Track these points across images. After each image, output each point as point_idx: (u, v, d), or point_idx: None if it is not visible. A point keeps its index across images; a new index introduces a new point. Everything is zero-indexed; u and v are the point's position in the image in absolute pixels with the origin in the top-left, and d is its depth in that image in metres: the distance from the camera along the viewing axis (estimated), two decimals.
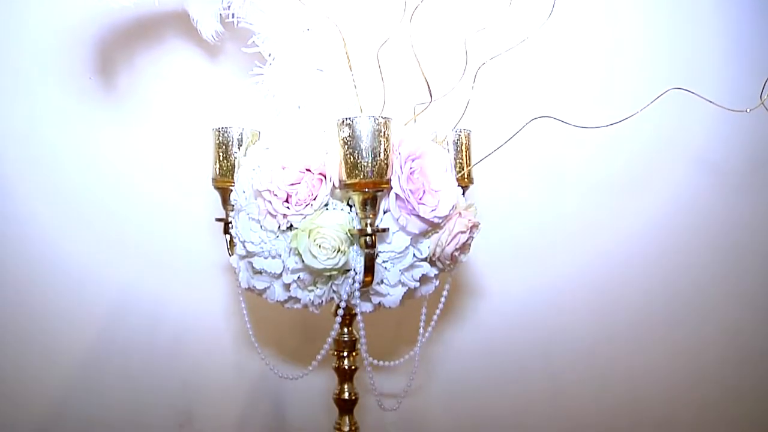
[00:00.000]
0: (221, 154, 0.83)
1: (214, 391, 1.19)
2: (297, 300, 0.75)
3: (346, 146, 0.66)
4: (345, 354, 0.88)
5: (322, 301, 0.75)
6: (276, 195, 0.69)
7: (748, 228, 1.26)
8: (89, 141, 1.13)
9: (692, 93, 0.83)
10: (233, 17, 0.81)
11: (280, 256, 0.73)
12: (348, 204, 0.72)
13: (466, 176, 0.85)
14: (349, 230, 0.69)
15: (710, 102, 0.83)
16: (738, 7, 1.24)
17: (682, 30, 1.23)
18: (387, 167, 0.67)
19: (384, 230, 0.70)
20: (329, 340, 0.77)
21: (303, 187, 0.70)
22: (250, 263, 0.76)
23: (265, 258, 0.74)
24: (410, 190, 0.70)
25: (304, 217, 0.70)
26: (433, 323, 0.88)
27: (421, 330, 0.88)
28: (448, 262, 0.76)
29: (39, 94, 1.11)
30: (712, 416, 1.26)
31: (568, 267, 1.22)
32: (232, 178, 0.82)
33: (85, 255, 1.14)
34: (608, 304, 1.24)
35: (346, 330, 0.88)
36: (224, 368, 1.19)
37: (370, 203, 0.67)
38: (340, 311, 0.76)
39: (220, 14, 0.86)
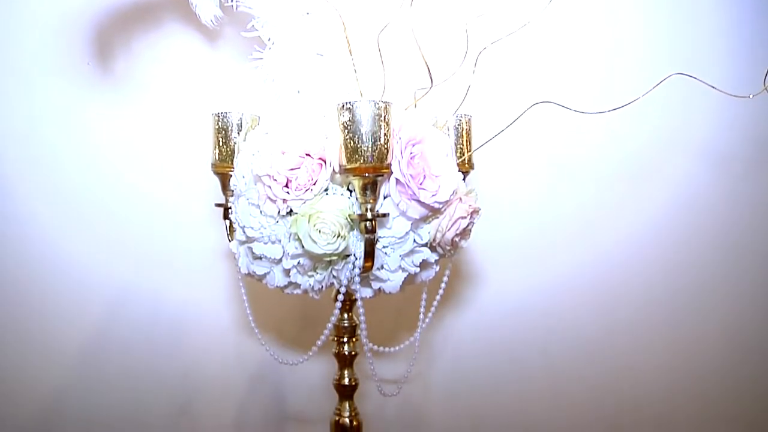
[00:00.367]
0: (221, 139, 0.83)
1: (214, 377, 1.19)
2: (297, 285, 0.75)
3: (346, 131, 0.66)
4: (345, 340, 0.88)
5: (322, 287, 0.75)
6: (276, 180, 0.69)
7: (753, 217, 1.26)
8: (86, 127, 1.12)
9: (694, 78, 0.83)
10: (232, 1, 0.81)
11: (279, 241, 0.72)
12: (348, 189, 0.72)
13: (466, 162, 0.85)
14: (349, 215, 0.69)
15: (712, 87, 0.83)
16: None
17: (684, 16, 1.22)
18: (387, 152, 0.66)
19: (384, 215, 0.70)
20: (329, 325, 0.77)
21: (303, 172, 0.69)
22: (250, 249, 0.76)
23: (265, 243, 0.73)
24: (411, 175, 0.69)
25: (304, 202, 0.69)
26: (433, 309, 0.88)
27: (422, 316, 0.88)
28: (448, 248, 0.76)
29: (36, 82, 1.11)
30: (712, 414, 1.27)
31: (569, 254, 1.22)
32: (232, 164, 0.81)
33: (84, 243, 1.14)
34: (609, 291, 1.23)
35: (346, 316, 0.88)
36: (224, 354, 1.19)
37: (371, 188, 0.67)
38: (340, 297, 0.75)
39: None
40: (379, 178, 0.67)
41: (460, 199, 0.75)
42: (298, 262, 0.72)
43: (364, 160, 0.65)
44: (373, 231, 0.68)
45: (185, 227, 1.15)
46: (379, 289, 0.76)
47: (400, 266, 0.74)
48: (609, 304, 1.24)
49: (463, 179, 0.82)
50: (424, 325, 0.88)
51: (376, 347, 0.83)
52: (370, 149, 0.65)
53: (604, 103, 0.83)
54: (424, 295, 0.89)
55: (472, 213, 0.76)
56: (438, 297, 0.86)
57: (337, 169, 0.69)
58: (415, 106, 0.83)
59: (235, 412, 1.21)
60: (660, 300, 1.25)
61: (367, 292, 0.77)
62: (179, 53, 1.12)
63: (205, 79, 1.11)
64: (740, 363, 1.27)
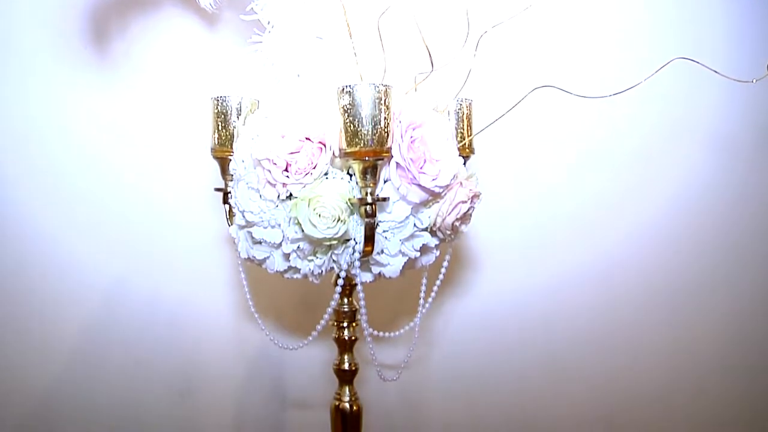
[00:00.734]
0: (220, 123, 0.82)
1: (214, 362, 1.19)
2: (297, 270, 0.75)
3: (347, 114, 0.65)
4: (345, 324, 0.88)
5: (321, 271, 0.74)
6: (275, 164, 0.69)
7: (761, 205, 1.25)
8: (81, 111, 1.12)
9: (697, 63, 0.82)
10: None
11: (279, 225, 0.72)
12: (348, 173, 0.71)
13: (467, 146, 0.84)
14: (349, 199, 0.69)
15: (715, 72, 0.82)
16: None
17: (688, 1, 1.21)
18: (387, 136, 0.66)
19: (384, 199, 0.69)
20: (329, 310, 0.77)
21: (302, 156, 0.69)
22: (250, 233, 0.76)
23: (265, 228, 0.73)
24: (411, 159, 0.69)
25: (304, 186, 0.69)
26: (433, 294, 0.87)
27: (422, 301, 0.88)
28: (448, 232, 0.76)
29: (31, 67, 1.10)
30: (711, 414, 1.27)
31: (570, 240, 1.22)
32: (231, 148, 0.81)
33: (83, 229, 1.14)
34: (611, 279, 1.23)
35: (346, 300, 0.88)
36: (224, 339, 1.19)
37: (371, 172, 0.66)
38: (340, 281, 0.75)
39: None
40: (380, 162, 0.67)
41: (461, 183, 0.75)
42: (298, 247, 0.71)
43: (364, 143, 0.65)
44: (373, 215, 0.67)
45: (184, 212, 1.15)
46: (379, 273, 0.76)
47: (400, 251, 0.74)
48: (610, 291, 1.23)
49: (464, 164, 0.81)
50: (424, 311, 0.88)
51: (376, 332, 0.83)
52: (370, 133, 0.65)
53: (606, 88, 0.83)
54: (424, 281, 0.88)
55: (472, 197, 0.76)
56: (438, 282, 0.86)
57: (337, 153, 0.69)
58: (416, 90, 0.82)
59: (236, 397, 1.21)
60: (665, 288, 1.25)
61: (367, 277, 0.77)
62: (178, 37, 1.11)
63: (204, 63, 1.10)
64: (746, 359, 1.28)
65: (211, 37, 1.10)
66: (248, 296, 0.89)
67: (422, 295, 0.88)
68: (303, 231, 0.69)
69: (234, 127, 0.81)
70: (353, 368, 0.90)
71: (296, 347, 0.84)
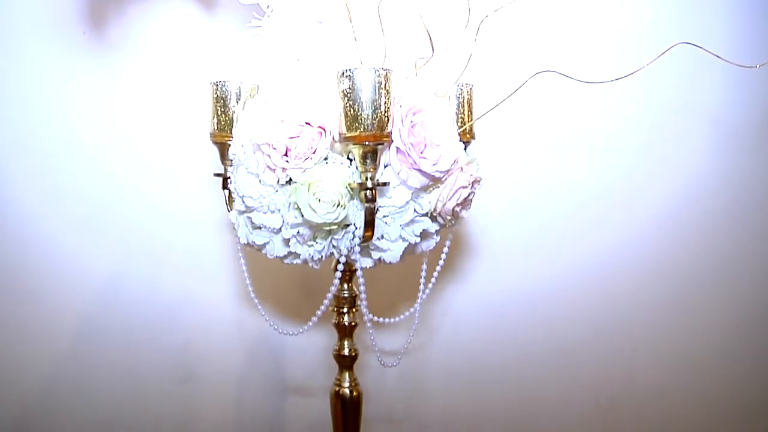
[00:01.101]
0: (219, 108, 0.82)
1: (214, 348, 1.20)
2: (296, 255, 0.75)
3: (346, 99, 0.65)
4: (345, 310, 0.88)
5: (321, 257, 0.74)
6: (275, 148, 0.68)
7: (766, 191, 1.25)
8: (77, 97, 1.11)
9: (700, 48, 0.81)
10: None
11: (279, 210, 0.72)
12: (348, 158, 0.71)
13: (467, 131, 0.84)
14: (349, 184, 0.69)
15: (718, 57, 0.81)
16: None
17: None
18: (388, 120, 0.66)
19: (384, 184, 0.69)
20: (329, 296, 0.77)
21: (302, 141, 0.68)
22: (249, 218, 0.75)
23: (264, 213, 0.73)
24: (411, 144, 0.68)
25: (304, 171, 0.69)
26: (433, 280, 0.87)
27: (422, 287, 0.88)
28: (449, 218, 0.76)
29: (25, 50, 1.09)
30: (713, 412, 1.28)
31: (571, 227, 1.22)
32: (231, 133, 0.80)
33: (83, 215, 1.13)
34: (612, 265, 1.23)
35: (345, 286, 0.88)
36: (224, 326, 1.19)
37: (371, 157, 0.66)
38: (340, 266, 0.75)
39: None
40: (380, 147, 0.66)
41: (462, 168, 0.75)
42: (298, 232, 0.71)
43: (364, 128, 0.65)
44: (373, 200, 0.67)
45: (183, 198, 1.15)
46: (380, 259, 0.76)
47: (400, 236, 0.73)
48: (611, 279, 1.23)
49: (464, 149, 0.81)
50: (424, 296, 0.88)
51: (376, 318, 0.83)
52: (370, 117, 0.65)
53: (608, 73, 0.82)
54: (424, 266, 0.88)
55: (473, 183, 0.76)
56: (438, 268, 0.86)
57: (336, 138, 0.68)
58: (416, 75, 0.82)
59: (235, 384, 1.21)
60: (666, 275, 1.25)
61: (367, 262, 0.76)
62: (176, 21, 1.10)
63: (203, 48, 1.10)
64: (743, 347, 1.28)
65: (209, 21, 1.09)
66: (248, 282, 0.89)
67: (422, 281, 0.88)
68: (303, 216, 0.68)
69: (233, 112, 0.81)
70: (353, 354, 0.90)
71: (296, 333, 0.83)
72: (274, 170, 0.70)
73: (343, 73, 0.65)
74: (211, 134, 0.83)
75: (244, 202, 0.74)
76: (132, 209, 1.14)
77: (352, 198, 0.70)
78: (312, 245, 0.73)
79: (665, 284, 1.25)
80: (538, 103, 1.14)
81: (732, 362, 1.27)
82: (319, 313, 0.78)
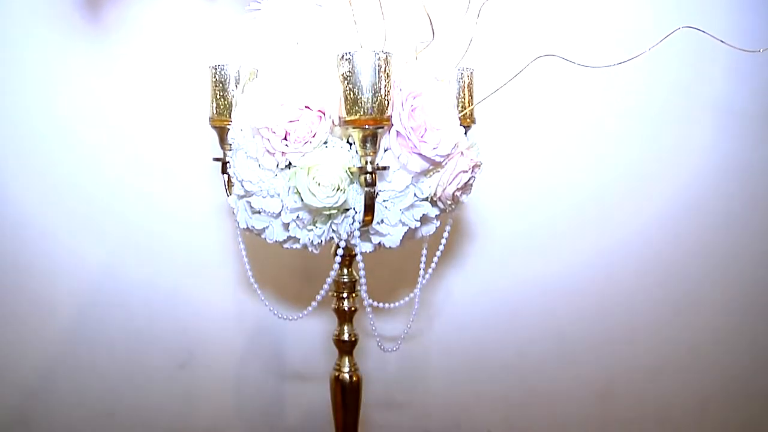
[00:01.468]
0: (218, 92, 0.81)
1: (213, 333, 1.20)
2: (296, 240, 0.74)
3: (346, 82, 0.64)
4: (345, 295, 0.88)
5: (321, 241, 0.74)
6: (274, 132, 0.68)
7: None
8: (72, 81, 1.10)
9: (703, 32, 0.81)
10: None
11: (278, 195, 0.71)
12: (348, 142, 0.71)
13: (468, 116, 0.83)
14: (348, 168, 0.68)
15: (721, 41, 0.81)
16: None
17: None
18: (388, 103, 0.65)
19: (384, 168, 0.69)
20: (328, 280, 0.77)
21: (302, 124, 0.68)
22: (249, 203, 0.75)
23: (264, 197, 0.72)
24: (411, 128, 0.68)
25: (303, 155, 0.68)
26: (433, 266, 0.87)
27: (422, 272, 0.87)
28: (449, 202, 0.75)
29: (24, 32, 1.09)
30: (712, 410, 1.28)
31: (572, 213, 1.21)
32: (230, 117, 0.80)
33: (81, 200, 1.13)
34: (613, 250, 1.23)
35: (345, 271, 0.87)
36: (224, 311, 1.20)
37: (371, 140, 0.66)
38: (340, 251, 0.75)
39: None
40: (380, 131, 0.66)
41: (462, 153, 0.74)
42: (297, 216, 0.71)
43: (364, 111, 0.64)
44: (373, 184, 0.67)
45: (182, 183, 1.14)
46: (379, 243, 0.75)
47: (400, 220, 0.73)
48: (612, 264, 1.23)
49: (465, 134, 0.80)
50: (424, 281, 0.88)
51: (375, 303, 0.83)
52: (370, 101, 0.64)
53: (610, 58, 0.81)
54: (424, 252, 0.88)
55: (473, 167, 0.76)
56: (438, 253, 0.86)
57: (336, 122, 0.68)
58: (416, 58, 0.81)
59: (235, 369, 1.22)
60: (667, 261, 1.25)
61: (366, 247, 0.76)
62: (174, 3, 1.10)
63: (201, 30, 1.09)
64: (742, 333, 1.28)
65: (208, 4, 1.09)
66: (247, 267, 0.89)
67: (422, 266, 0.88)
68: (302, 200, 0.68)
69: (232, 96, 0.80)
70: (353, 339, 0.90)
71: (296, 318, 0.83)
72: (273, 154, 0.69)
73: (342, 57, 0.64)
74: (210, 118, 0.82)
75: (243, 186, 0.74)
76: (131, 195, 1.14)
77: (351, 182, 0.69)
78: (312, 230, 0.73)
79: (667, 270, 1.25)
80: (540, 87, 1.14)
81: (729, 350, 1.27)
82: (318, 297, 0.78)
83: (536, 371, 1.26)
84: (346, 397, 0.91)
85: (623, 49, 0.79)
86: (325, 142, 0.70)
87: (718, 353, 1.27)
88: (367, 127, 0.65)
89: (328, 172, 0.67)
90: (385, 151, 0.71)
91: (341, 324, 0.90)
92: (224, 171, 0.83)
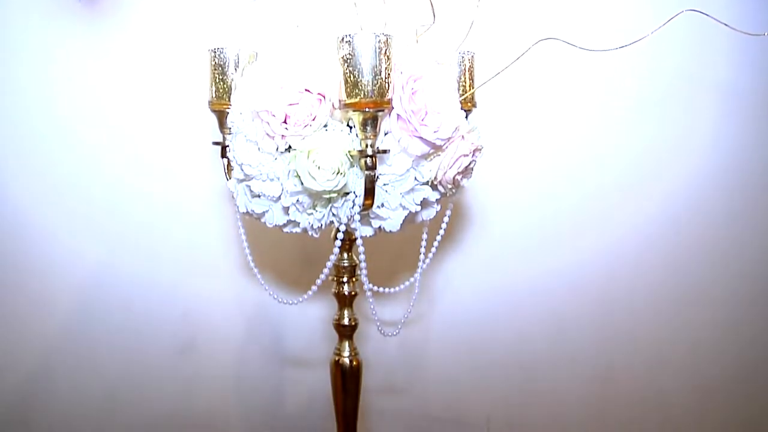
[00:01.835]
0: (217, 75, 0.81)
1: (214, 319, 1.20)
2: (296, 224, 0.74)
3: (346, 64, 0.64)
4: (345, 279, 0.88)
5: (321, 225, 0.74)
6: (274, 116, 0.67)
7: None
8: (68, 65, 1.10)
9: (706, 15, 0.80)
10: None
11: (278, 178, 0.71)
12: (348, 125, 0.70)
13: (469, 99, 0.83)
14: (349, 152, 0.68)
15: (725, 25, 0.80)
16: None
17: None
18: (388, 86, 0.65)
19: (385, 151, 0.68)
20: (329, 264, 0.77)
21: (301, 108, 0.67)
22: (248, 187, 0.75)
23: (264, 181, 0.72)
24: (412, 111, 0.68)
25: (303, 138, 0.68)
26: (434, 250, 0.87)
27: (422, 257, 0.87)
28: (450, 186, 0.75)
29: (12, 17, 1.08)
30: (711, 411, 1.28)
31: (572, 194, 1.21)
32: (229, 101, 0.80)
33: (81, 184, 1.13)
34: (614, 232, 1.23)
35: (345, 255, 0.87)
36: (224, 296, 1.20)
37: (371, 123, 0.65)
38: (340, 235, 0.75)
39: None
40: (380, 114, 0.65)
41: (463, 136, 0.74)
42: (297, 200, 0.71)
43: (364, 94, 0.64)
44: (373, 167, 0.67)
45: (182, 167, 1.14)
46: (380, 227, 0.75)
47: (400, 204, 0.73)
48: (612, 246, 1.23)
49: (466, 117, 0.80)
50: (424, 266, 0.88)
51: (376, 288, 0.83)
52: (370, 83, 0.64)
53: (613, 41, 0.81)
54: (424, 236, 0.88)
55: (474, 151, 0.75)
56: (438, 237, 0.86)
57: (336, 105, 0.68)
58: (417, 42, 0.81)
59: (236, 353, 1.22)
60: (668, 245, 1.24)
61: (367, 231, 0.76)
62: None
63: (200, 13, 1.08)
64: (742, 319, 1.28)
65: None
66: (247, 252, 0.89)
67: (422, 250, 0.87)
68: (302, 184, 0.68)
69: (232, 79, 0.80)
70: (353, 323, 0.90)
71: (296, 302, 0.83)
72: (273, 138, 0.69)
73: (343, 39, 0.64)
74: (209, 102, 0.82)
75: (242, 170, 0.74)
76: (130, 180, 1.14)
77: (352, 165, 0.69)
78: (312, 213, 0.73)
79: (665, 255, 1.24)
80: (542, 72, 1.13)
81: (729, 344, 1.27)
82: (318, 282, 0.78)
83: (536, 357, 1.26)
84: (346, 381, 0.91)
85: (626, 34, 0.78)
86: (325, 126, 0.69)
87: (718, 348, 1.27)
88: (367, 110, 0.64)
89: (328, 156, 0.66)
90: (386, 134, 0.70)
91: (341, 308, 0.90)
92: (224, 155, 0.83)
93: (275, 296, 0.88)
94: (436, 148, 0.72)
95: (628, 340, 1.26)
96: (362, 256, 0.76)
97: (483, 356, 1.25)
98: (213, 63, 0.80)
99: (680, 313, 1.25)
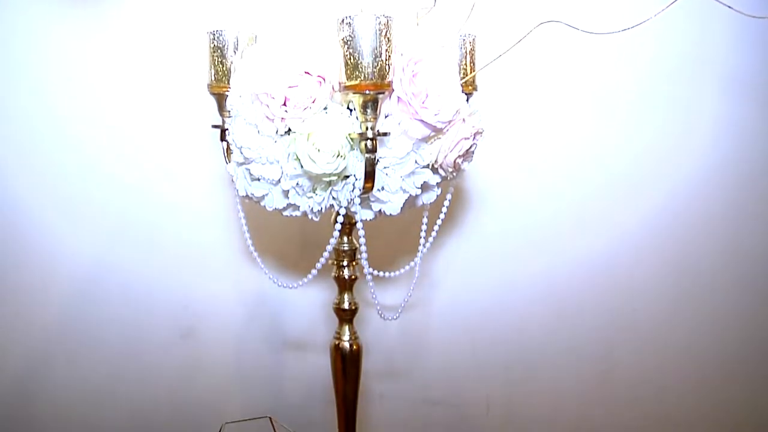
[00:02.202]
0: (216, 58, 0.80)
1: (214, 302, 1.20)
2: (296, 207, 0.74)
3: (347, 46, 0.63)
4: (345, 263, 0.87)
5: (321, 208, 0.73)
6: (273, 98, 0.67)
7: None
8: (63, 47, 1.09)
9: None
10: None
11: (278, 161, 0.71)
12: (348, 108, 0.70)
13: (470, 82, 0.82)
14: (349, 134, 0.67)
15: (729, 7, 0.79)
16: None
17: None
18: (389, 69, 0.64)
19: (385, 134, 0.68)
20: (329, 248, 0.76)
21: (301, 90, 0.67)
22: (248, 170, 0.74)
23: (263, 164, 0.72)
24: (413, 93, 0.67)
25: (303, 121, 0.67)
26: (434, 234, 0.87)
27: (422, 240, 0.87)
28: (450, 170, 0.75)
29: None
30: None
31: (573, 178, 1.21)
32: (228, 83, 0.79)
33: (85, 171, 1.13)
34: (615, 216, 1.23)
35: (345, 239, 0.87)
36: (224, 280, 1.20)
37: (371, 106, 0.65)
38: (340, 218, 0.74)
39: None
40: (380, 96, 0.65)
41: (464, 119, 0.73)
42: (297, 183, 0.70)
43: (364, 76, 0.63)
44: (373, 150, 0.66)
45: (181, 151, 1.14)
46: (380, 211, 0.75)
47: (401, 187, 0.73)
48: (613, 231, 1.23)
49: (467, 100, 0.80)
50: (424, 250, 0.87)
51: (376, 272, 0.83)
52: (371, 65, 0.63)
53: (615, 24, 0.80)
54: (425, 220, 0.88)
55: (475, 134, 0.75)
56: (439, 221, 0.86)
57: (336, 87, 0.67)
58: (418, 24, 0.80)
59: (236, 337, 1.22)
60: (669, 231, 1.24)
61: (367, 214, 0.76)
62: None
63: None
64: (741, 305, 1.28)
65: None
66: (247, 236, 0.89)
67: (423, 234, 0.87)
68: (302, 167, 0.68)
69: (231, 62, 0.79)
70: (353, 307, 0.90)
71: (295, 286, 0.83)
72: (272, 120, 0.69)
73: (343, 20, 0.63)
74: (208, 85, 0.82)
75: (242, 153, 0.73)
76: (129, 163, 1.13)
77: (352, 148, 0.68)
78: (311, 197, 0.72)
79: (665, 240, 1.24)
80: (544, 54, 1.12)
81: (730, 334, 1.27)
82: (318, 265, 0.78)
83: (536, 341, 1.26)
84: (346, 365, 0.91)
85: (629, 17, 0.77)
86: (325, 108, 0.69)
87: (717, 343, 1.27)
88: (367, 92, 0.64)
89: (328, 138, 0.66)
90: (386, 117, 0.70)
91: (341, 292, 0.90)
92: (223, 138, 0.83)
93: (275, 280, 0.88)
94: (437, 131, 0.71)
95: (628, 325, 1.26)
96: (362, 240, 0.75)
97: (483, 341, 1.25)
98: (212, 46, 0.80)
99: (682, 296, 1.25)
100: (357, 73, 0.63)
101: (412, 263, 0.90)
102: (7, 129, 1.10)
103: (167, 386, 1.21)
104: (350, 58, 0.63)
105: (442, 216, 0.85)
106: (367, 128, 0.65)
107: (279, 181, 0.72)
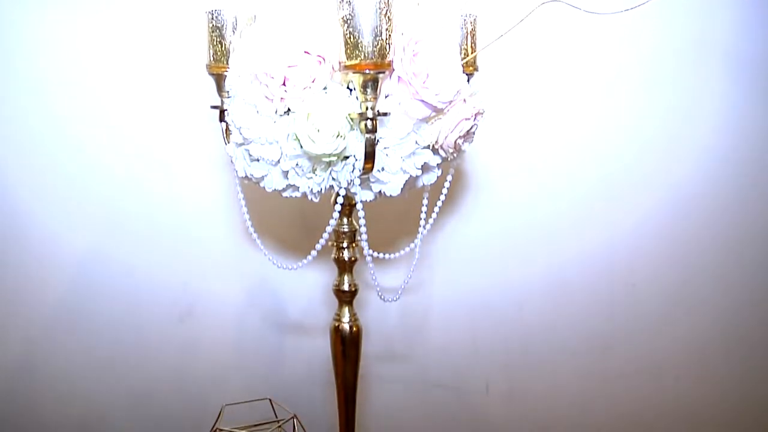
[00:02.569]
0: (215, 38, 0.79)
1: (213, 284, 1.20)
2: (295, 188, 0.74)
3: (347, 25, 0.63)
4: (345, 245, 0.87)
5: (321, 189, 0.73)
6: (273, 78, 0.66)
7: None
8: (65, 30, 1.08)
9: None
10: None
11: (277, 142, 0.70)
12: (348, 87, 0.69)
13: (471, 63, 0.82)
14: (349, 114, 0.67)
15: None
16: None
17: None
18: (389, 48, 0.64)
19: (385, 114, 0.67)
20: (328, 229, 0.76)
21: (301, 70, 0.66)
22: (247, 150, 0.74)
23: (262, 144, 0.71)
24: (413, 73, 0.67)
25: (303, 101, 0.67)
26: (434, 215, 0.86)
27: (422, 222, 0.87)
28: (451, 150, 0.74)
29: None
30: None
31: (574, 160, 1.20)
32: (227, 63, 0.78)
33: (80, 147, 1.12)
34: (615, 198, 1.23)
35: (345, 220, 0.87)
36: (223, 262, 1.20)
37: (371, 85, 0.64)
38: (340, 199, 0.74)
39: None
40: (380, 75, 0.64)
41: (464, 100, 0.73)
42: (297, 164, 0.70)
43: (364, 56, 0.63)
44: (373, 130, 0.66)
45: (180, 132, 1.13)
46: (380, 191, 0.75)
47: (401, 168, 0.72)
48: (613, 212, 1.23)
49: (468, 81, 0.79)
50: (425, 231, 0.87)
51: (376, 253, 0.83)
52: (371, 45, 0.62)
53: (617, 4, 0.80)
54: (425, 201, 0.87)
55: (476, 115, 0.74)
56: (439, 203, 0.85)
57: (336, 67, 0.67)
58: (419, 4, 0.79)
59: (235, 319, 1.22)
60: (669, 218, 1.24)
61: (367, 195, 0.75)
62: None
63: None
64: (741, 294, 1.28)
65: None
66: (246, 217, 0.88)
67: (423, 216, 0.87)
68: (302, 147, 0.67)
69: (229, 42, 0.79)
70: (353, 289, 0.90)
71: (295, 267, 0.83)
72: (271, 100, 0.68)
73: None
74: (207, 65, 0.81)
75: (241, 133, 0.73)
76: (128, 145, 1.13)
77: (352, 128, 0.68)
78: (311, 177, 0.72)
79: (665, 226, 1.24)
80: (546, 35, 1.11)
81: (729, 331, 1.28)
82: (318, 247, 0.78)
83: (536, 323, 1.26)
84: (346, 347, 0.91)
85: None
86: (325, 88, 0.68)
87: (716, 339, 1.28)
88: (367, 71, 0.63)
89: (328, 118, 0.65)
90: (386, 97, 0.69)
91: (341, 274, 0.90)
92: (222, 119, 0.82)
93: (275, 262, 0.88)
94: (438, 111, 0.71)
95: (627, 309, 1.26)
96: (362, 221, 0.75)
97: (483, 322, 1.25)
98: (210, 25, 0.79)
99: (682, 284, 1.26)
100: (357, 52, 0.63)
101: (412, 245, 0.89)
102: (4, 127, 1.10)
103: (167, 368, 1.21)
104: (350, 37, 0.63)
105: (442, 198, 0.85)
106: (367, 108, 0.65)
107: (278, 161, 0.72)
